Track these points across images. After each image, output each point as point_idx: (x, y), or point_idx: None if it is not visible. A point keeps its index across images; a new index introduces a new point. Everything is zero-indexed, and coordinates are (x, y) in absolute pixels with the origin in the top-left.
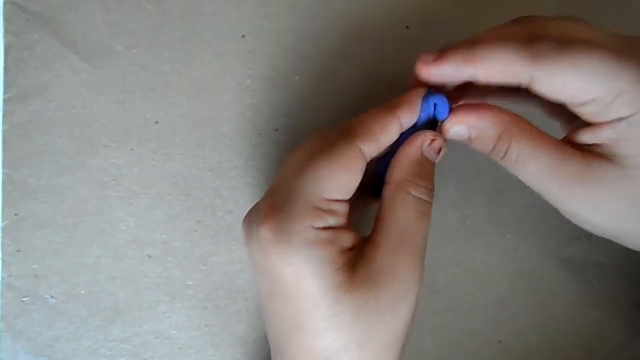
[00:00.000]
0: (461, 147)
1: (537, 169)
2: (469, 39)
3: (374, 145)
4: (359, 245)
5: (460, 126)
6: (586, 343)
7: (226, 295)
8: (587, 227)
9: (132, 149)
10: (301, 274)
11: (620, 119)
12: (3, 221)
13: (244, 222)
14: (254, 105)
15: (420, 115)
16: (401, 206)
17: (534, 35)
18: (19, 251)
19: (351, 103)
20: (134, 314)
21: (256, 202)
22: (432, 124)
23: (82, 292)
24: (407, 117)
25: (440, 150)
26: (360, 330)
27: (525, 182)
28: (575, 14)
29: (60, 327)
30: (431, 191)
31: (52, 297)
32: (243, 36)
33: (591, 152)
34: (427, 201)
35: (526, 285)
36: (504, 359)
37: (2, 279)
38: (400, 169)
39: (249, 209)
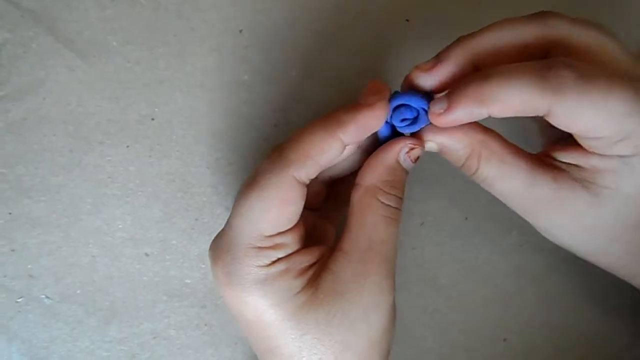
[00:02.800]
0: None
1: (507, 190)
2: (478, 74)
3: (311, 170)
4: (323, 257)
5: (429, 144)
6: (591, 341)
7: None
8: (563, 246)
9: (127, 146)
10: (259, 309)
11: (618, 156)
12: None
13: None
14: (251, 100)
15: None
16: (369, 213)
17: (551, 66)
18: (13, 251)
19: (348, 97)
20: (131, 313)
21: None
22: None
23: (78, 291)
24: (352, 137)
25: (417, 159)
26: (333, 342)
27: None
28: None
29: (56, 328)
30: (400, 199)
31: (47, 297)
32: (240, 31)
33: (564, 173)
34: (395, 208)
35: (530, 282)
36: (509, 357)
37: None
38: (371, 173)
39: None
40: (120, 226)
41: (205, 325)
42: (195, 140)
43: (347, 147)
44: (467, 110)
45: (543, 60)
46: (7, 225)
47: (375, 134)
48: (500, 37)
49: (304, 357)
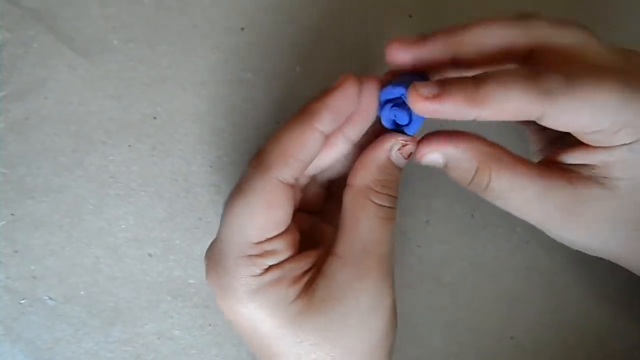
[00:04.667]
0: None
1: (522, 201)
2: (473, 77)
3: (294, 168)
4: (318, 261)
5: (434, 154)
6: (600, 338)
7: None
8: (579, 249)
9: (130, 145)
10: (255, 319)
11: (622, 145)
12: None
13: None
14: (253, 98)
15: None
16: (362, 215)
17: (540, 72)
18: (16, 252)
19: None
20: (135, 314)
21: None
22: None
23: (82, 292)
24: (328, 124)
25: (410, 155)
26: (331, 348)
27: (508, 211)
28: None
29: (60, 329)
30: (394, 197)
31: (50, 298)
32: (242, 29)
33: (576, 174)
34: (389, 207)
35: (538, 279)
36: (517, 356)
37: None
38: (362, 173)
39: None
40: (123, 226)
41: (210, 325)
42: (198, 138)
43: (342, 146)
44: (456, 105)
45: (531, 67)
46: (10, 226)
47: (371, 132)
48: (485, 35)
49: None
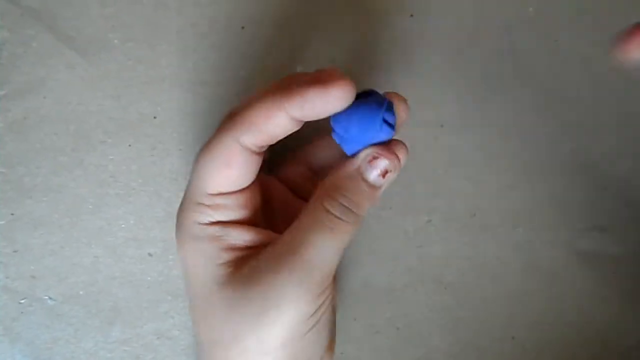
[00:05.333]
0: (470, 137)
1: None
2: None
3: (257, 136)
4: (264, 244)
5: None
6: (602, 338)
7: None
8: None
9: (129, 145)
10: (187, 261)
11: None
12: None
13: None
14: None
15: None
16: (308, 213)
17: None
18: (15, 252)
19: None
20: (135, 314)
21: None
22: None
23: (81, 292)
24: (297, 111)
25: (386, 172)
26: (227, 330)
27: None
28: None
29: (59, 329)
30: (350, 211)
31: (50, 298)
32: (242, 27)
33: None
34: (339, 218)
35: (539, 278)
36: (518, 355)
37: None
38: (330, 174)
39: None
40: (122, 226)
41: None
42: (197, 138)
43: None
44: None
45: None
46: (9, 226)
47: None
48: None
49: (202, 328)
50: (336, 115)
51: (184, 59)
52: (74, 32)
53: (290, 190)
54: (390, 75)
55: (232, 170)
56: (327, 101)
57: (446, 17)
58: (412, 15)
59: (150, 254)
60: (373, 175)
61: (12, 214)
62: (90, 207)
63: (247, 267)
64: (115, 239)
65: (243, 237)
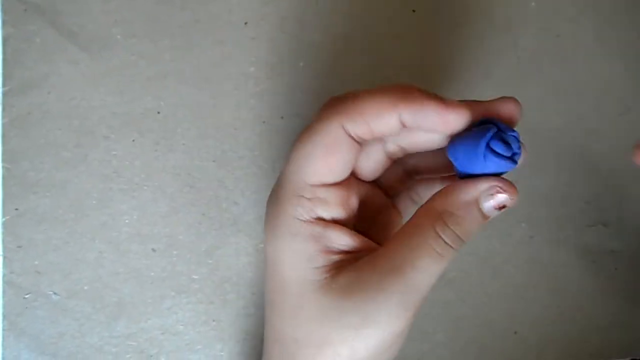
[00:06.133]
0: None
1: None
2: None
3: (362, 127)
4: (361, 252)
5: None
6: (604, 333)
7: (233, 289)
8: None
9: (133, 140)
10: (278, 258)
11: None
12: (3, 216)
13: None
14: (258, 92)
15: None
16: (417, 235)
17: None
18: (19, 247)
19: (356, 88)
20: (139, 309)
21: (261, 192)
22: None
23: (85, 287)
24: (409, 116)
25: (503, 207)
26: (316, 333)
27: None
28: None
29: (64, 324)
30: (460, 239)
31: (54, 293)
32: (245, 23)
33: None
34: (448, 245)
35: (541, 274)
36: (520, 350)
37: (4, 275)
38: (443, 198)
39: (254, 200)
40: (126, 221)
41: (214, 321)
42: (201, 133)
43: (437, 137)
44: None
45: None
46: (14, 221)
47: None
48: None
49: (288, 327)
50: (448, 144)
51: (188, 54)
52: (77, 27)
53: (378, 188)
54: (392, 71)
55: (334, 157)
56: (441, 118)
57: (448, 13)
58: (414, 11)
59: (153, 250)
60: (490, 207)
61: (16, 209)
62: (94, 202)
63: (344, 277)
64: (119, 234)
65: (341, 240)
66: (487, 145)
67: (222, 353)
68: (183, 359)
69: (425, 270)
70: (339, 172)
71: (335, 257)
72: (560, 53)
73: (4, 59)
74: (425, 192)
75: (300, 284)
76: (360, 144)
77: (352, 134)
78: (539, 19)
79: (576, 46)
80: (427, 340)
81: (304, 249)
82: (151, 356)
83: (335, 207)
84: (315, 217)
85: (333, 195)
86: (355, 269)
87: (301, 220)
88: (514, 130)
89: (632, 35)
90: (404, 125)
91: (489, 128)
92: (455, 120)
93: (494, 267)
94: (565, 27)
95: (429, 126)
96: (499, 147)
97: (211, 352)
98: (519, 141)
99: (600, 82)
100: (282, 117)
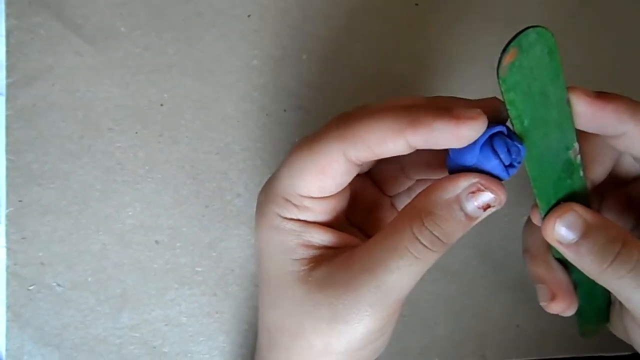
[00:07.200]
0: None
1: None
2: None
3: (364, 153)
4: (343, 248)
5: (564, 229)
6: (606, 327)
7: (236, 281)
8: None
9: (137, 132)
10: (263, 249)
11: None
12: (7, 208)
13: None
14: (261, 85)
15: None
16: (394, 236)
17: None
18: (23, 238)
19: (359, 81)
20: (143, 300)
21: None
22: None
23: (89, 279)
24: (418, 141)
25: (487, 207)
26: (292, 322)
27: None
28: None
29: (68, 315)
30: (439, 240)
31: (58, 284)
32: (249, 16)
33: None
34: (426, 247)
35: None
36: (521, 343)
37: (8, 267)
38: (423, 197)
39: (257, 192)
40: (130, 213)
41: (217, 312)
42: (204, 125)
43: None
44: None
45: None
46: (18, 213)
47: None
48: None
49: (270, 315)
50: None
51: (191, 47)
52: (81, 19)
53: (374, 184)
54: (395, 64)
55: (328, 179)
56: (454, 135)
57: (451, 6)
58: (417, 4)
59: (157, 242)
60: (473, 207)
61: (20, 201)
62: (97, 194)
63: (320, 271)
64: (123, 226)
65: (322, 236)
66: (489, 139)
67: (224, 344)
68: (186, 350)
69: (398, 272)
70: (330, 191)
71: (315, 252)
72: (562, 47)
73: (8, 51)
74: None
75: (279, 275)
76: (360, 164)
77: (353, 159)
78: (540, 15)
79: (576, 42)
80: (429, 332)
81: (284, 241)
82: (154, 347)
83: (321, 214)
84: (296, 218)
85: (320, 206)
86: (332, 265)
87: (283, 217)
88: (522, 144)
89: (633, 28)
90: (413, 148)
91: (499, 126)
92: (469, 132)
93: (496, 260)
94: (567, 21)
95: (441, 145)
96: (500, 147)
97: (214, 343)
98: (520, 156)
99: (601, 77)
100: (285, 110)
